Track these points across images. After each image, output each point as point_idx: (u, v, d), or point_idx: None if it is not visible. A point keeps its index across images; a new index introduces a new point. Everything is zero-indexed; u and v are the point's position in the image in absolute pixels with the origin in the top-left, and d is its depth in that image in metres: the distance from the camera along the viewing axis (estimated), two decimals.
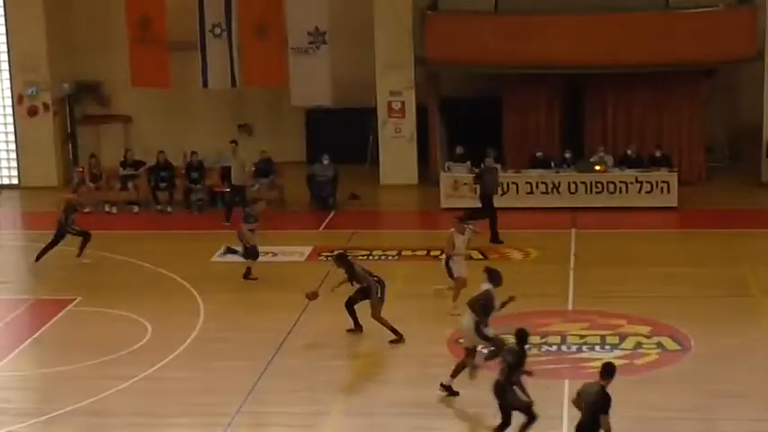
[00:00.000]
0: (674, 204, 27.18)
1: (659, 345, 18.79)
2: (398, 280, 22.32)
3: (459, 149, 28.88)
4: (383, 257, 24.22)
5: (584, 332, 19.41)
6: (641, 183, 27.36)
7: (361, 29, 30.31)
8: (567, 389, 17.22)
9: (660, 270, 22.53)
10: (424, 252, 24.42)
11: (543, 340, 19.14)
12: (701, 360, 18.28)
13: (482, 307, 17.24)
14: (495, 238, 24.87)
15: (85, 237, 24.18)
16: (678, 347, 18.63)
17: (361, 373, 18.26)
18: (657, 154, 28.32)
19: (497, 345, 17.01)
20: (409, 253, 24.20)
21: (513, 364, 15.22)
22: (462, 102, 30.81)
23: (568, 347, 18.86)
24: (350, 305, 19.67)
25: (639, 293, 21.21)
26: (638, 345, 18.83)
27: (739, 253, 23.80)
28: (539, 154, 28.77)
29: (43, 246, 23.94)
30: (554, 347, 18.88)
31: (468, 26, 29.52)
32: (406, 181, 30.07)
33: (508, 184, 27.74)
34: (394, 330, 19.32)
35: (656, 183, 27.28)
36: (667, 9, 29.45)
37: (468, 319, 17.28)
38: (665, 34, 28.67)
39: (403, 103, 30.35)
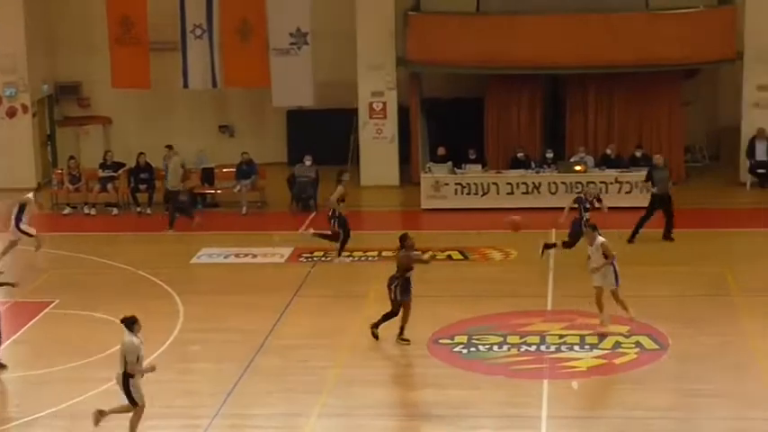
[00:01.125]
0: None
1: (638, 344, 18.80)
2: (379, 281, 22.18)
3: (440, 150, 28.93)
4: (364, 258, 24.22)
5: (563, 332, 19.42)
6: (621, 183, 27.41)
7: (343, 30, 30.29)
8: (546, 389, 17.28)
9: (639, 269, 22.51)
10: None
11: (523, 340, 19.14)
12: (680, 359, 18.31)
13: None
14: (667, 235, 24.77)
15: (345, 236, 23.92)
16: (657, 347, 18.65)
17: (341, 375, 18.20)
18: (638, 154, 28.39)
19: None
20: (390, 254, 24.06)
21: None
22: (444, 102, 30.88)
23: (548, 347, 18.86)
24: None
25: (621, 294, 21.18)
26: (617, 344, 18.85)
27: (718, 252, 23.89)
28: (520, 154, 28.82)
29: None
30: (533, 347, 18.87)
31: (450, 27, 29.56)
32: (388, 182, 30.09)
33: (489, 185, 27.80)
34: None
35: (636, 183, 27.33)
36: (648, 10, 29.52)
37: None
38: (645, 35, 28.75)
39: (384, 103, 30.36)
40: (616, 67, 28.85)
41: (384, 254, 24.20)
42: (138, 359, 15.49)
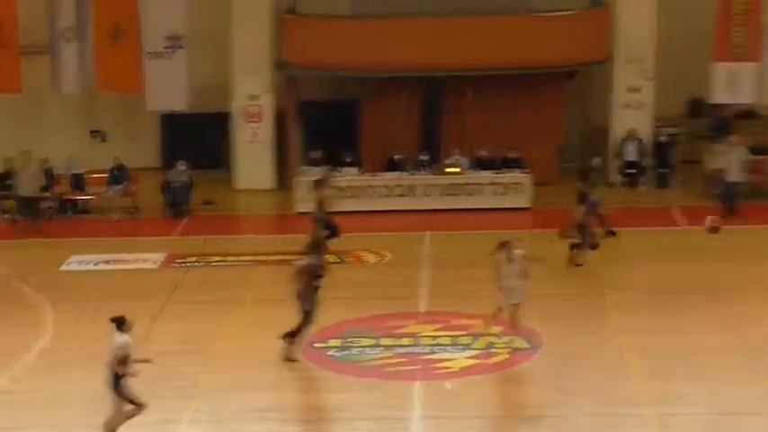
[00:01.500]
0: (528, 205, 27.56)
1: (510, 344, 18.92)
2: (254, 285, 22.21)
3: (316, 153, 28.87)
4: (238, 263, 24.03)
5: (436, 333, 19.48)
6: (495, 184, 27.66)
7: (219, 33, 30.03)
8: (419, 390, 17.31)
9: None
10: (280, 257, 24.27)
11: (396, 342, 19.15)
12: (552, 358, 18.47)
13: None
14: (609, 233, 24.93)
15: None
16: (528, 346, 18.79)
17: (214, 380, 18.01)
18: (511, 156, 28.67)
19: None
20: (264, 258, 24.04)
21: None
22: (320, 105, 30.79)
23: (421, 349, 18.90)
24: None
25: (493, 293, 21.29)
26: (490, 344, 18.95)
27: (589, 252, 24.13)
28: (397, 157, 28.89)
29: None
30: (407, 349, 18.89)
31: (326, 30, 29.55)
32: (263, 185, 29.93)
33: (364, 188, 27.85)
34: None
35: (510, 184, 27.60)
36: (525, 12, 29.78)
37: None
38: (521, 37, 29.03)
39: (260, 107, 30.18)
40: (492, 69, 29.07)
41: (258, 258, 24.09)
42: (126, 359, 15.46)
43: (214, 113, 30.60)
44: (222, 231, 26.74)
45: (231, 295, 21.96)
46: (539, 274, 22.22)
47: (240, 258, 24.19)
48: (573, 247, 23.03)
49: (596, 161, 26.20)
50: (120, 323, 15.67)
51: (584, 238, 22.96)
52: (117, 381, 15.54)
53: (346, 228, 26.28)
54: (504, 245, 18.85)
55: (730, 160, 26.81)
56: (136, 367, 15.58)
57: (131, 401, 15.64)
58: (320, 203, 24.02)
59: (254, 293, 21.85)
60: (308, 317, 18.52)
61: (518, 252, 18.89)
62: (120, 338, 15.58)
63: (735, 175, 26.69)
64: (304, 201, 27.72)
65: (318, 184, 24.65)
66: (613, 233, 24.88)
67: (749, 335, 19.12)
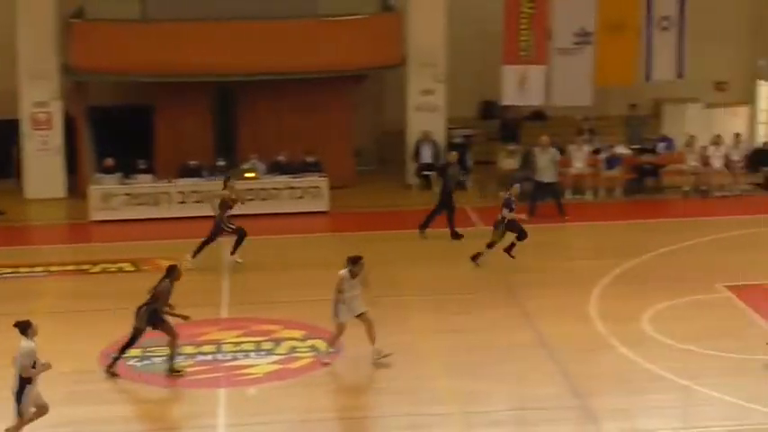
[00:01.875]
0: (326, 209, 27.61)
1: (313, 348, 18.91)
2: (48, 296, 21.57)
3: (108, 161, 28.28)
4: (31, 274, 23.28)
5: (239, 339, 19.30)
6: (293, 188, 27.62)
7: (3, 37, 29.09)
8: (223, 397, 17.10)
9: (314, 273, 22.59)
10: (74, 267, 23.66)
11: (198, 350, 18.88)
12: (356, 360, 18.47)
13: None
14: (454, 235, 25.01)
15: (241, 234, 23.10)
16: (332, 349, 18.76)
17: (8, 397, 17.31)
18: (309, 159, 28.68)
19: None
20: (58, 268, 23.36)
21: None
22: (112, 111, 30.18)
23: (224, 356, 18.68)
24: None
25: (295, 298, 21.29)
26: (293, 349, 18.91)
27: (390, 254, 24.24)
28: (192, 163, 28.52)
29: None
30: (209, 356, 18.65)
31: (115, 34, 29.05)
32: (54, 194, 29.15)
33: (159, 195, 27.46)
34: None
35: (308, 188, 27.63)
36: (316, 17, 29.84)
37: None
38: (314, 41, 29.10)
39: (49, 113, 29.35)
40: (285, 73, 29.02)
41: (52, 269, 23.41)
42: (33, 364, 14.89)
43: (2, 120, 29.62)
44: (13, 242, 25.91)
45: (23, 308, 21.10)
46: (332, 277, 22.41)
47: (33, 270, 23.45)
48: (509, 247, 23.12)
49: (452, 155, 26.40)
50: (25, 328, 15.08)
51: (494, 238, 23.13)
52: (23, 387, 15.07)
53: (142, 236, 25.93)
54: (354, 260, 18.32)
55: (542, 161, 27.49)
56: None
57: (19, 412, 15.14)
58: (221, 206, 23.41)
59: (47, 305, 21.18)
60: (135, 333, 18.02)
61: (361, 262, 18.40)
62: (26, 345, 15.01)
63: (547, 175, 27.39)
64: (97, 209, 27.22)
65: (223, 187, 23.97)
66: (459, 236, 25.12)
67: (547, 332, 19.55)
